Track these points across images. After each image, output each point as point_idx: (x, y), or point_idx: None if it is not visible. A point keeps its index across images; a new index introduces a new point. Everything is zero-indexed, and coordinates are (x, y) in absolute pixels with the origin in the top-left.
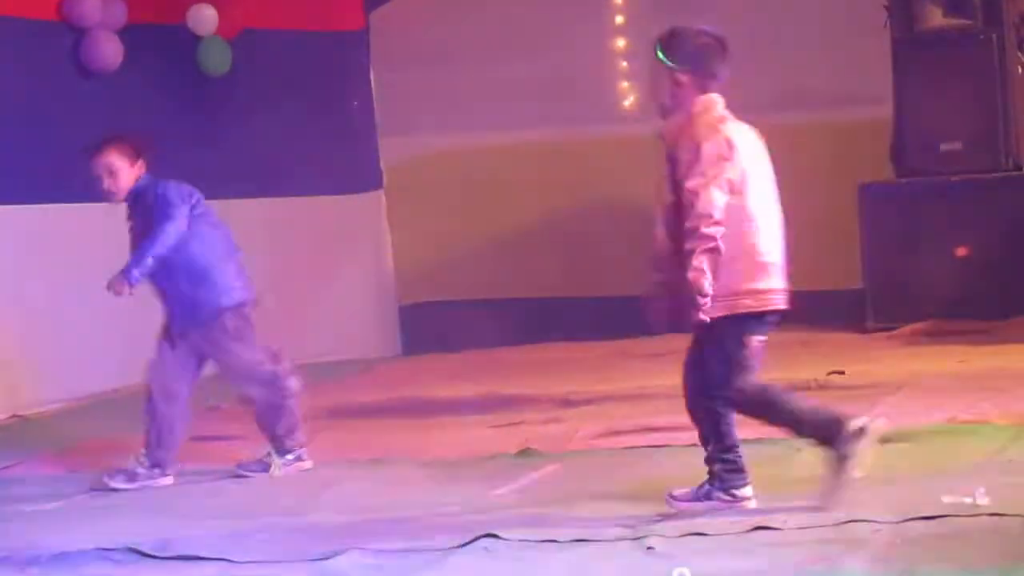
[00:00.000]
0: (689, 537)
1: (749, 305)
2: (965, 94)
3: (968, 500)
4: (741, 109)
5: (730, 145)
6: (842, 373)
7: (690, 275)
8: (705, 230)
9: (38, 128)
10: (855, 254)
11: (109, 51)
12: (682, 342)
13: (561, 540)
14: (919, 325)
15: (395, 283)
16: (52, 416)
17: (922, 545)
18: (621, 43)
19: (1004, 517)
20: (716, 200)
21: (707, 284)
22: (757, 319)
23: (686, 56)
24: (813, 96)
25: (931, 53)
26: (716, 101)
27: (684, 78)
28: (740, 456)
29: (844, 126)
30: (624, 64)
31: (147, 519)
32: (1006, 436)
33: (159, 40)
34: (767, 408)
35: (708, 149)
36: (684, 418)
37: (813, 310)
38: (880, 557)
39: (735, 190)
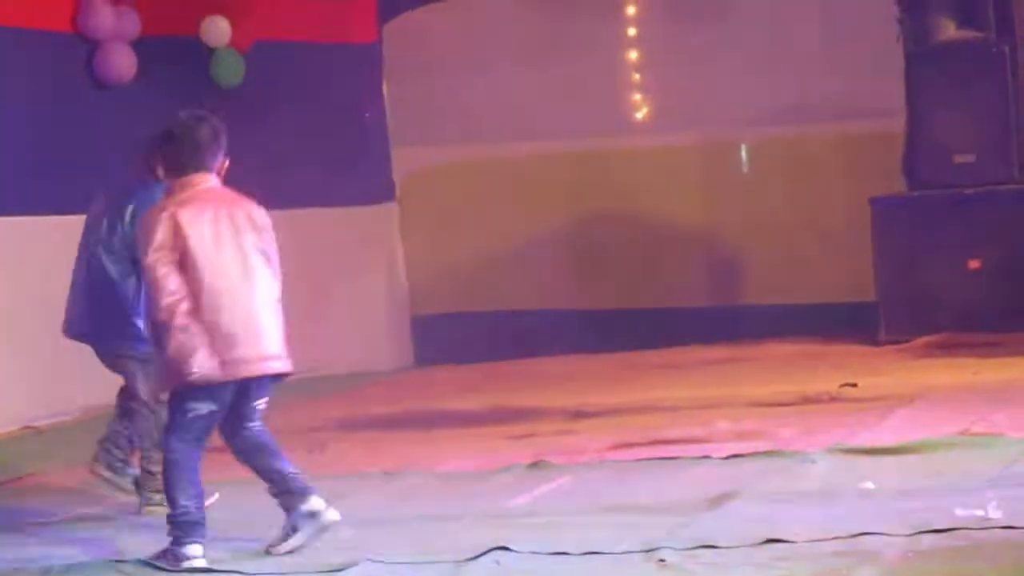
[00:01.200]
0: (701, 550)
1: (210, 376)
2: (978, 106)
3: (980, 513)
4: (754, 122)
5: (174, 225)
6: (855, 386)
7: (170, 351)
8: (165, 306)
9: (52, 139)
10: (867, 267)
11: (123, 63)
12: (699, 354)
13: (573, 552)
14: (931, 338)
15: (408, 294)
16: (65, 428)
17: (934, 558)
18: (634, 55)
19: (1016, 530)
20: (166, 278)
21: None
22: (220, 387)
23: (165, 148)
24: (826, 109)
25: (944, 65)
26: (193, 183)
27: (159, 167)
28: (190, 512)
29: (856, 138)
30: (637, 75)
31: (160, 532)
32: (1019, 449)
33: (173, 52)
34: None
35: (153, 229)
36: (696, 430)
37: (825, 323)
38: (892, 570)
39: (188, 267)
